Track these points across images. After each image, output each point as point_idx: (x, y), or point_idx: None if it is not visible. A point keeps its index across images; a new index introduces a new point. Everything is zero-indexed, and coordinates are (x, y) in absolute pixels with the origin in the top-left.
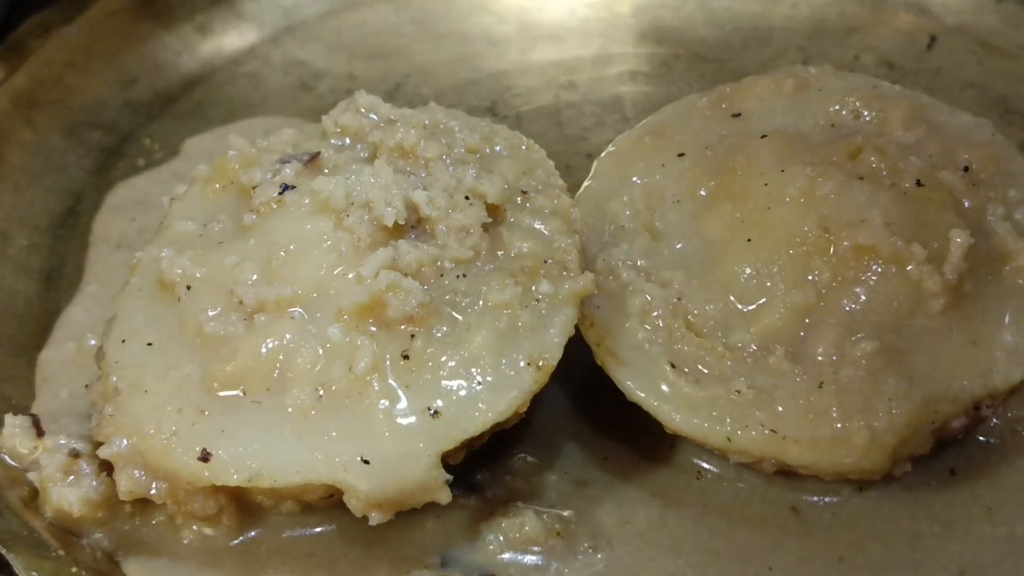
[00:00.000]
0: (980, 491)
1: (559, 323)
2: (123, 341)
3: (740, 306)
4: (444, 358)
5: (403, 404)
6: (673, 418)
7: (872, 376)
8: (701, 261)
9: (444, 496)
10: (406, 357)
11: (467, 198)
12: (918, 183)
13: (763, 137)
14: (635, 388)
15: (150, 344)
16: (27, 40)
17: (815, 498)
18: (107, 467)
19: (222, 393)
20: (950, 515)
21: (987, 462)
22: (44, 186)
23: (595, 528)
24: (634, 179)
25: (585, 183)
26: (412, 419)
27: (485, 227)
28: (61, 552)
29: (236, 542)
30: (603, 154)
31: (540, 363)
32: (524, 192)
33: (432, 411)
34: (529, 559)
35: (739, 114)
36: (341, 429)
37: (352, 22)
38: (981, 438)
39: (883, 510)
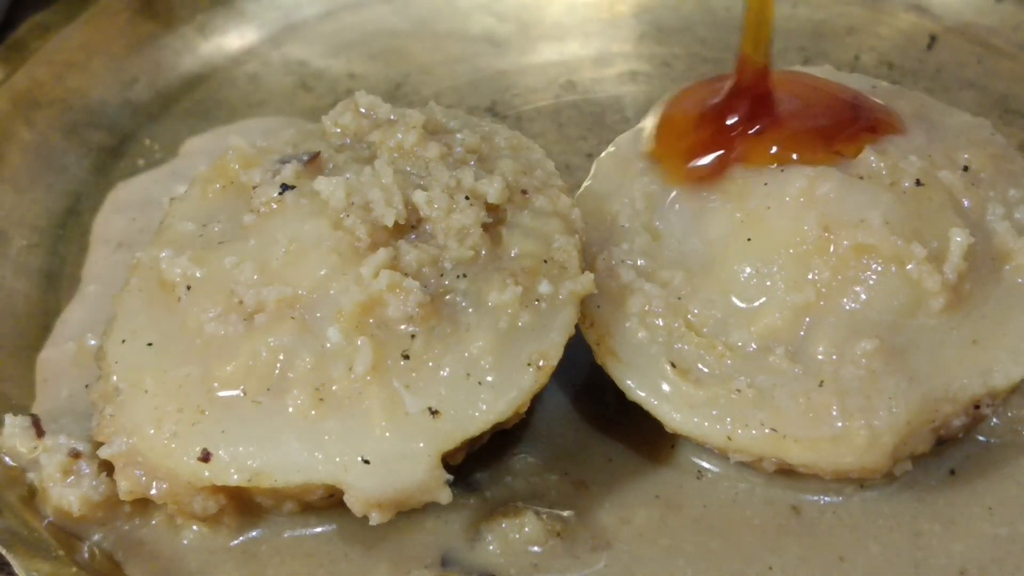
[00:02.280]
0: (980, 491)
1: (559, 323)
2: (123, 341)
3: (740, 305)
4: (444, 358)
5: (403, 404)
6: (673, 417)
7: (872, 375)
8: (701, 261)
9: (444, 496)
10: (406, 357)
11: (467, 198)
12: (918, 183)
13: None
14: (635, 388)
15: (150, 344)
16: (27, 40)
17: (815, 498)
18: (107, 467)
19: (222, 393)
20: (951, 514)
21: (987, 462)
22: (44, 186)
23: (595, 528)
24: (634, 179)
25: (585, 183)
26: (412, 419)
27: (485, 227)
28: (61, 552)
29: (236, 542)
30: (603, 154)
31: (540, 363)
32: (524, 192)
33: (432, 411)
34: (529, 559)
35: None
36: (341, 429)
37: (352, 22)
38: (981, 438)
39: (884, 509)
